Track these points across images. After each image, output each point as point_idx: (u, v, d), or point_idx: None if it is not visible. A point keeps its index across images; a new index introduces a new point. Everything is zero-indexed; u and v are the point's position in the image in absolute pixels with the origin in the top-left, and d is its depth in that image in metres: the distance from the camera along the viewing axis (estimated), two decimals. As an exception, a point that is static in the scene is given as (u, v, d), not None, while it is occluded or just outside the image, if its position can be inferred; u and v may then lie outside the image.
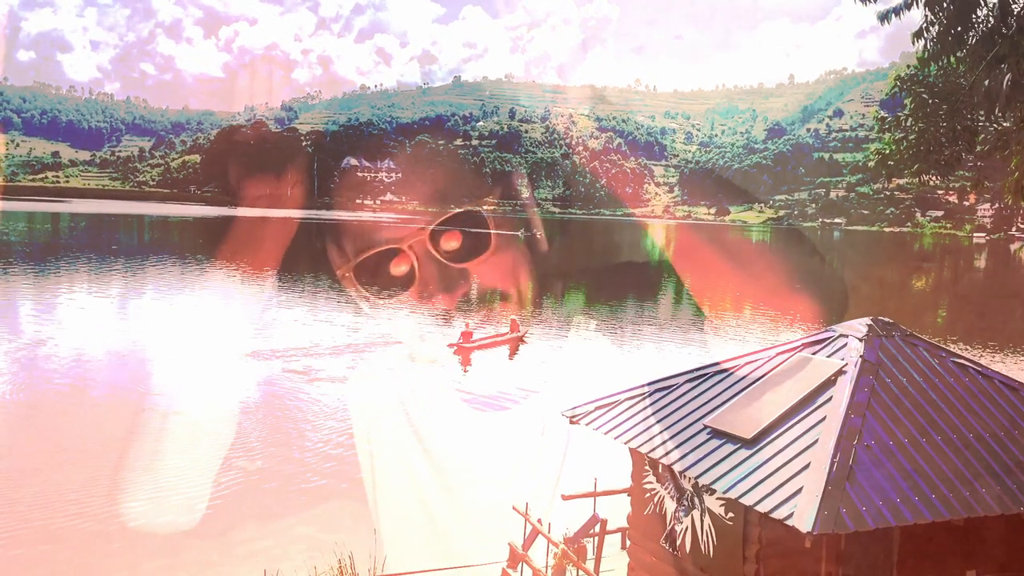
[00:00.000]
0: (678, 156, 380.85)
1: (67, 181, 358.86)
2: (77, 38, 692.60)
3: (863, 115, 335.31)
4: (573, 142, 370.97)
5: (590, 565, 14.51)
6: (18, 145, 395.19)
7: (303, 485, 23.17)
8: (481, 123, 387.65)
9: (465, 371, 39.89)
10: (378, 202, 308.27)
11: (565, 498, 16.17)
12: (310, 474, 24.08)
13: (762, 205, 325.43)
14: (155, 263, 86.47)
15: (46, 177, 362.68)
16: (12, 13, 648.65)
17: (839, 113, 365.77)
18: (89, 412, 29.70)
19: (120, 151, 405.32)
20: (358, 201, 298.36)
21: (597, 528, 15.16)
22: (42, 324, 47.58)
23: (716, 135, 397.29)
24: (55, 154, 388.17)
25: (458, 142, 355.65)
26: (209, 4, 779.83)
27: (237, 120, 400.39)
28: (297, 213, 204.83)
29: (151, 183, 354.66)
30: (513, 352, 44.07)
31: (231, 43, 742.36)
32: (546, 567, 14.69)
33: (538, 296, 68.82)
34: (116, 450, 25.21)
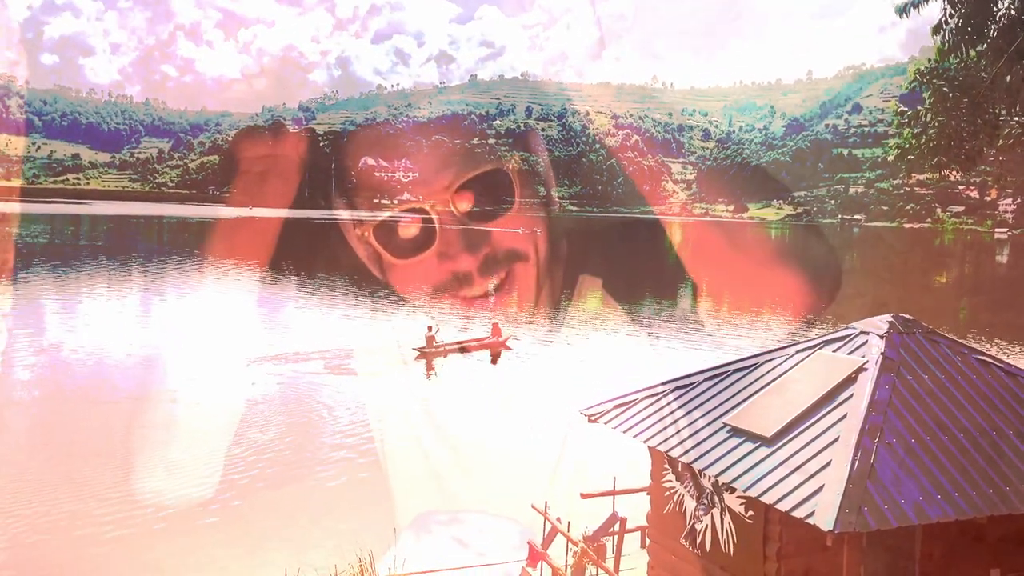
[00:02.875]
0: (695, 153, 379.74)
1: (87, 183, 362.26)
2: (98, 41, 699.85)
3: (882, 110, 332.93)
4: (590, 140, 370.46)
5: (610, 564, 14.49)
6: (39, 147, 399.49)
7: (322, 485, 23.26)
8: (498, 122, 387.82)
9: (480, 372, 39.80)
10: (395, 201, 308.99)
11: (584, 497, 16.15)
12: (329, 474, 24.16)
13: (780, 202, 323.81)
14: (173, 264, 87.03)
15: (67, 179, 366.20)
16: (35, 18, 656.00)
17: (858, 108, 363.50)
18: (109, 411, 29.91)
19: (139, 153, 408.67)
20: (375, 200, 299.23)
21: (616, 527, 15.12)
22: (64, 324, 48.03)
23: (734, 131, 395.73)
24: (75, 156, 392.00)
25: (475, 141, 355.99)
26: (228, 7, 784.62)
27: (255, 121, 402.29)
28: (315, 213, 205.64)
29: (170, 184, 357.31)
30: (495, 358, 42.08)
31: (249, 45, 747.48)
32: (566, 566, 14.67)
33: (554, 294, 68.73)
34: (137, 448, 25.40)
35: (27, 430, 28.01)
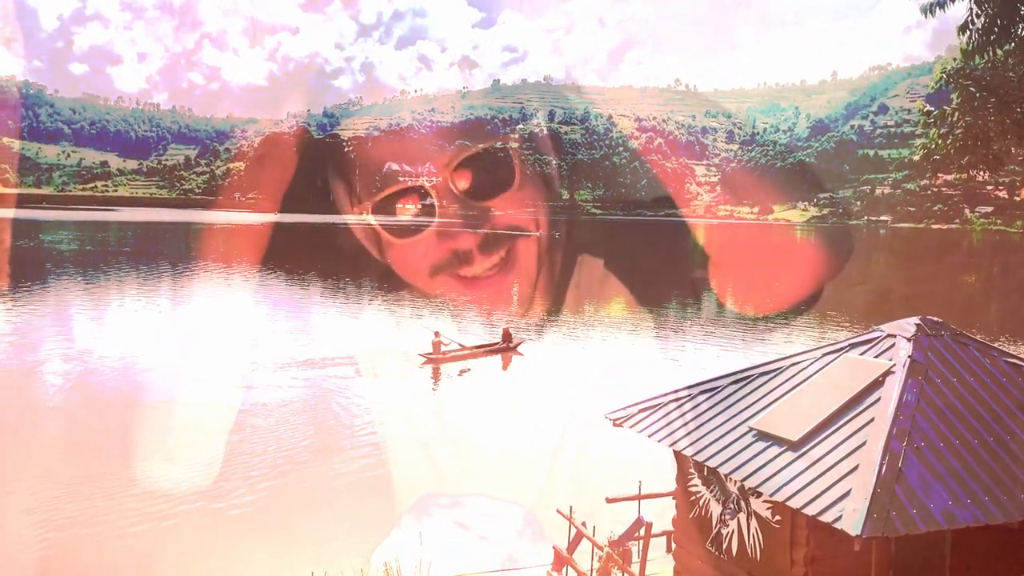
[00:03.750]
0: (719, 155, 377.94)
1: (115, 190, 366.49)
2: (126, 50, 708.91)
3: (908, 110, 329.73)
4: (613, 143, 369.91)
5: (635, 568, 14.45)
6: (68, 155, 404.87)
7: (348, 490, 23.38)
8: (521, 126, 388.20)
9: (508, 375, 39.79)
10: (419, 206, 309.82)
11: (609, 501, 16.12)
12: (354, 479, 24.29)
13: (806, 203, 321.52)
14: (199, 270, 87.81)
15: (95, 186, 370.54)
16: (64, 28, 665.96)
17: (884, 109, 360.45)
18: (135, 413, 30.24)
19: (166, 160, 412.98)
20: (399, 205, 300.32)
21: (642, 531, 15.08)
22: (93, 329, 48.66)
23: (758, 133, 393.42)
24: (104, 163, 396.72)
25: (497, 145, 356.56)
26: (253, 14, 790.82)
27: (280, 127, 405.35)
28: (339, 219, 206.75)
29: (196, 191, 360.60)
30: (506, 364, 41.16)
31: (275, 52, 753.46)
32: (591, 570, 14.65)
33: (570, 298, 68.57)
34: (161, 449, 25.69)
35: (57, 432, 28.38)
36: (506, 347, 42.48)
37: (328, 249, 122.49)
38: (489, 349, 42.40)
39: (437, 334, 40.33)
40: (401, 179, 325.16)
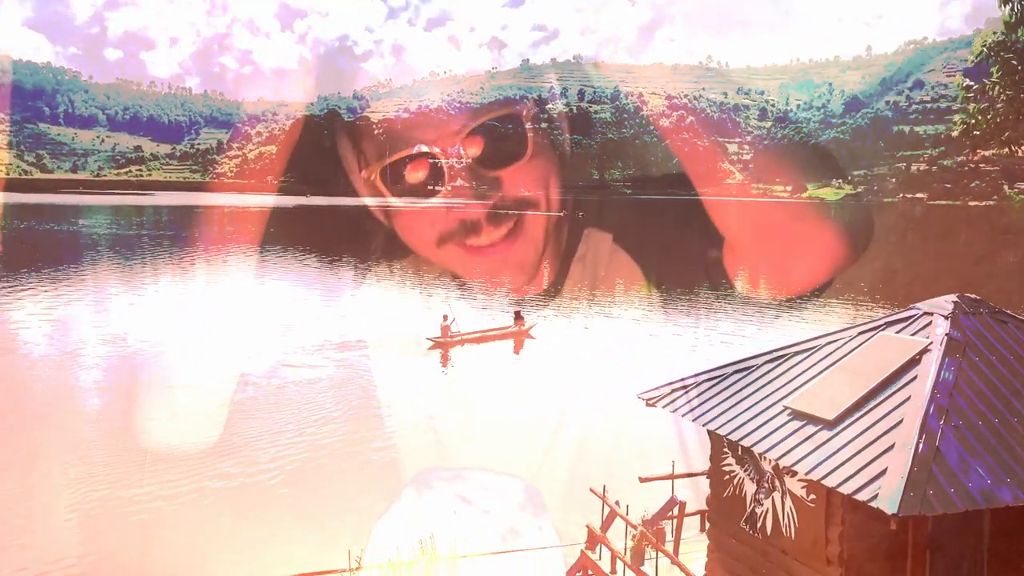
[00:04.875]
0: (752, 133, 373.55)
1: (150, 174, 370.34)
2: (159, 35, 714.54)
3: (945, 85, 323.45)
4: (643, 121, 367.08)
5: (669, 547, 14.49)
6: (103, 140, 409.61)
7: (381, 469, 23.62)
8: (550, 106, 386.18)
9: (522, 357, 39.58)
10: (449, 187, 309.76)
11: (643, 480, 16.15)
12: (388, 458, 24.54)
13: (840, 181, 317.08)
14: (233, 252, 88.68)
15: (130, 171, 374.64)
16: (98, 15, 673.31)
17: (920, 84, 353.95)
18: (169, 396, 30.72)
19: (199, 144, 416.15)
20: (429, 187, 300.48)
21: (675, 511, 15.10)
22: (127, 312, 49.42)
23: (791, 110, 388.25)
24: (138, 148, 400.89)
25: (527, 125, 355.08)
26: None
27: (311, 110, 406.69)
28: (370, 201, 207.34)
29: (229, 174, 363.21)
30: (518, 347, 40.56)
31: (305, 35, 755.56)
32: (625, 549, 14.71)
33: (593, 280, 68.18)
34: (199, 430, 26.11)
35: (95, 415, 28.90)
36: (518, 330, 41.84)
37: (354, 232, 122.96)
38: (500, 332, 41.71)
39: (446, 317, 39.84)
40: (431, 161, 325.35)
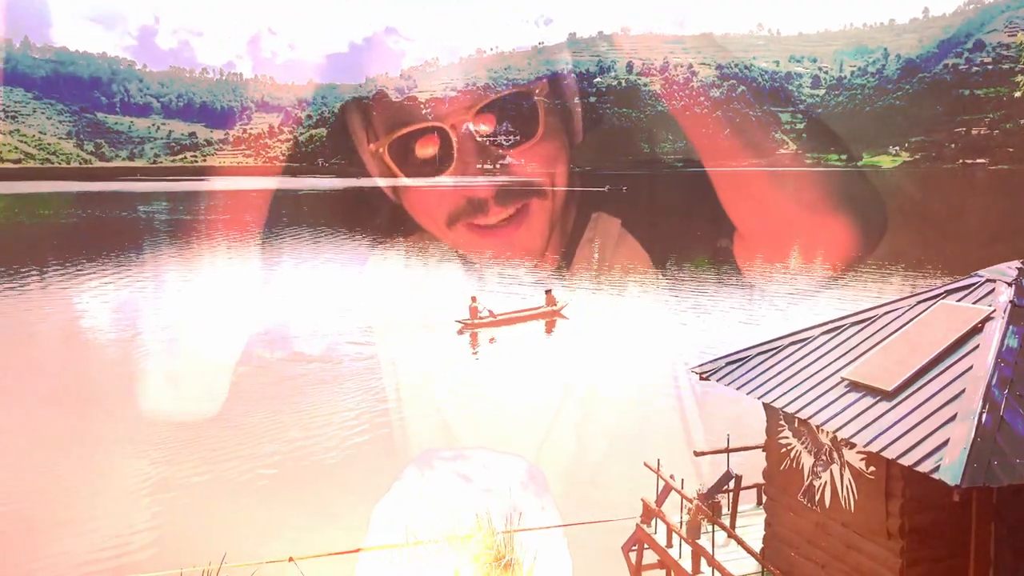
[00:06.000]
0: (805, 101, 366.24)
1: (204, 160, 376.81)
2: (210, 23, 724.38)
3: (1007, 46, 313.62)
4: (693, 92, 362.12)
5: (725, 521, 14.42)
6: (159, 128, 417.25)
7: (436, 444, 23.85)
8: (598, 79, 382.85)
9: (570, 333, 39.26)
10: (498, 166, 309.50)
11: (697, 454, 16.07)
12: (441, 434, 24.78)
13: (897, 148, 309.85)
14: (287, 235, 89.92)
15: (185, 157, 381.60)
16: (152, 5, 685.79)
17: (980, 45, 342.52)
18: (231, 378, 31.37)
19: (251, 129, 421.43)
20: (478, 166, 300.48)
21: (731, 484, 15.00)
22: (187, 298, 50.54)
23: (845, 77, 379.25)
24: (192, 135, 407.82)
25: (576, 100, 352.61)
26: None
27: (359, 92, 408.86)
28: (421, 181, 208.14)
29: (281, 158, 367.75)
30: (550, 327, 39.81)
31: (353, 17, 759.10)
32: (680, 523, 14.68)
33: (638, 257, 67.35)
34: (257, 407, 26.67)
35: (157, 398, 29.63)
36: (549, 310, 41.10)
37: (400, 213, 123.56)
38: (531, 313, 40.95)
39: (474, 299, 39.31)
40: (479, 139, 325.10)
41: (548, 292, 42.17)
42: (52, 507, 19.89)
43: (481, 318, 38.77)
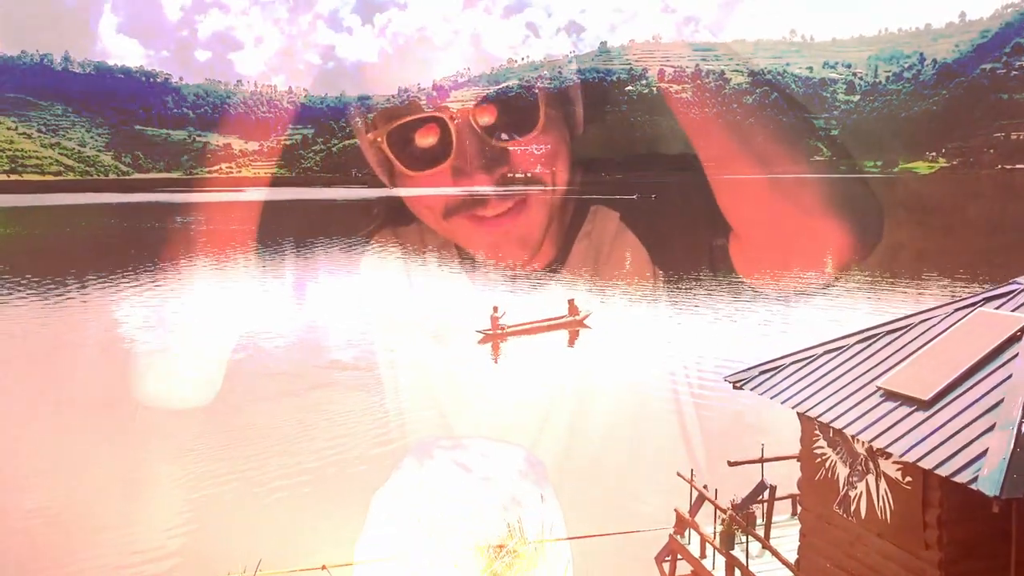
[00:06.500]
0: (839, 107, 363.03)
1: (239, 171, 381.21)
2: (245, 35, 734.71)
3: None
4: (726, 99, 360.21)
5: (759, 531, 14.30)
6: (194, 140, 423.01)
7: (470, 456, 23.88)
8: (629, 87, 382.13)
9: (594, 343, 38.99)
10: (528, 175, 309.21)
11: (731, 464, 15.95)
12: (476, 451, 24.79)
13: (934, 154, 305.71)
14: (321, 246, 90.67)
15: (219, 168, 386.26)
16: (188, 18, 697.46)
17: (1019, 49, 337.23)
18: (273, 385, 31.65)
19: (285, 140, 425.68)
20: (509, 175, 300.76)
21: (765, 494, 14.88)
22: (230, 307, 51.09)
23: (880, 82, 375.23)
24: (227, 146, 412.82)
25: (607, 109, 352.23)
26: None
27: (392, 102, 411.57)
28: (452, 190, 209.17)
29: (315, 169, 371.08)
30: (573, 339, 39.32)
31: (385, 29, 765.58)
32: (714, 533, 14.58)
33: (661, 266, 66.59)
34: (289, 415, 26.91)
35: (192, 405, 29.97)
36: (572, 320, 40.55)
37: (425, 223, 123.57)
38: (553, 323, 40.39)
39: (496, 308, 38.83)
40: (510, 148, 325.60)
41: (571, 301, 41.49)
42: (87, 514, 20.19)
43: (503, 328, 38.50)
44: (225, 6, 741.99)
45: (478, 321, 39.59)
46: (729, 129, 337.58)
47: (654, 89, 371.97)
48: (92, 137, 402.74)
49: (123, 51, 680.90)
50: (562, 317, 40.72)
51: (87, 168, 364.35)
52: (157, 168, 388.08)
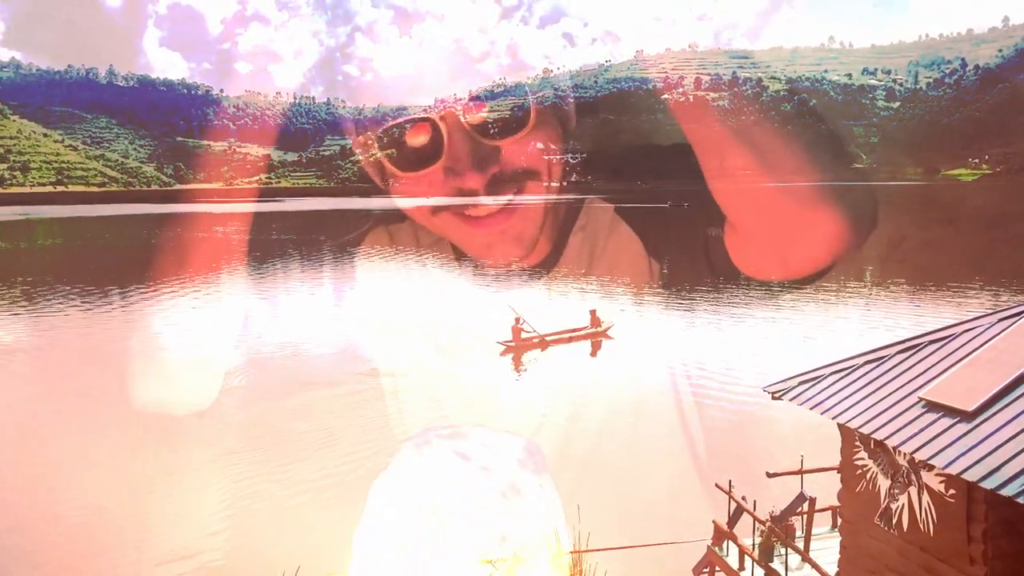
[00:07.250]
0: (879, 114, 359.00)
1: (278, 182, 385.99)
2: (284, 48, 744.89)
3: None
4: (763, 107, 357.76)
5: (799, 544, 14.13)
6: (235, 151, 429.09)
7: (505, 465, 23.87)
8: (665, 96, 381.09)
9: (619, 354, 38.44)
10: (565, 184, 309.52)
11: (770, 476, 15.78)
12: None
13: (976, 160, 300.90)
14: (353, 256, 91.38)
15: (259, 179, 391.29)
16: (228, 31, 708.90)
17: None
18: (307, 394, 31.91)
19: (323, 151, 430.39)
20: (544, 184, 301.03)
21: (805, 506, 14.70)
22: (263, 315, 51.67)
23: (921, 89, 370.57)
24: (266, 157, 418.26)
25: (642, 117, 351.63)
26: (401, 4, 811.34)
27: (429, 113, 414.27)
28: (488, 199, 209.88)
29: (352, 179, 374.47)
30: (595, 349, 38.49)
31: (422, 40, 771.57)
32: (753, 545, 14.43)
33: (691, 276, 65.90)
34: (320, 422, 27.11)
35: (235, 414, 30.35)
36: (595, 331, 39.85)
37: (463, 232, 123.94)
38: (576, 334, 39.58)
39: (518, 319, 37.97)
40: (546, 157, 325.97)
41: (592, 312, 40.67)
42: (121, 519, 20.49)
43: (525, 339, 37.93)
44: (265, 19, 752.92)
45: (499, 331, 39.02)
46: (766, 136, 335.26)
47: (690, 97, 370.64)
48: (135, 149, 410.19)
49: (166, 64, 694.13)
50: (584, 328, 40.00)
51: (130, 179, 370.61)
52: (198, 179, 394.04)
